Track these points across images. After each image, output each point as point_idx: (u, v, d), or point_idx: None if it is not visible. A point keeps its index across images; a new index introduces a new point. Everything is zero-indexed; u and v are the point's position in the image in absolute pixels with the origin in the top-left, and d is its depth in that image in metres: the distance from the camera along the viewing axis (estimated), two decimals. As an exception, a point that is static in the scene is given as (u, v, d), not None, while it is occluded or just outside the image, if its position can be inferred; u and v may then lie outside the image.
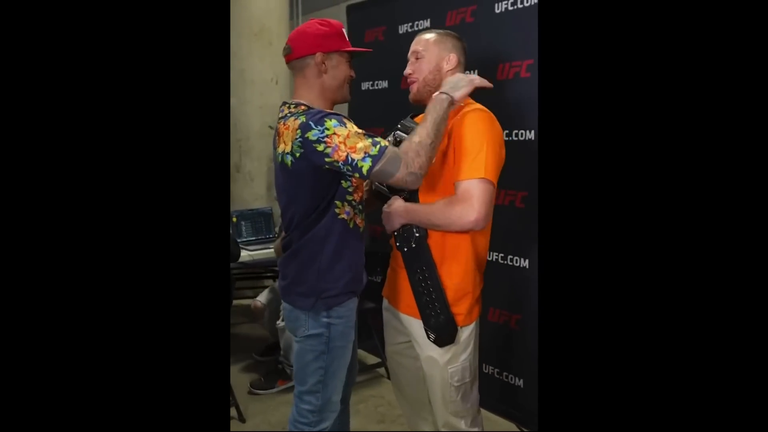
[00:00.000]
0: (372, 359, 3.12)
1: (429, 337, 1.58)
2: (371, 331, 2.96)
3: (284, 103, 1.59)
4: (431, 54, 1.62)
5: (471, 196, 1.47)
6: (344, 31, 1.60)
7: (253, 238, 3.29)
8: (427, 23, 2.71)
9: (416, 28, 2.75)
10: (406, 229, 1.58)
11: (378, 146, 1.40)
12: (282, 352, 2.81)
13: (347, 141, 1.40)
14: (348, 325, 1.61)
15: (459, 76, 1.57)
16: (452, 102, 1.49)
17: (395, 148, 1.42)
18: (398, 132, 1.63)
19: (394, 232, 1.61)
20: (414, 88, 1.65)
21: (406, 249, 1.58)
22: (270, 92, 3.97)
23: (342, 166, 1.42)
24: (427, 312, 1.55)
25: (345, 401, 1.84)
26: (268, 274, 3.76)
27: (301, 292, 1.57)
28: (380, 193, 1.68)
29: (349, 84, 1.62)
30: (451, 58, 1.62)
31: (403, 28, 2.82)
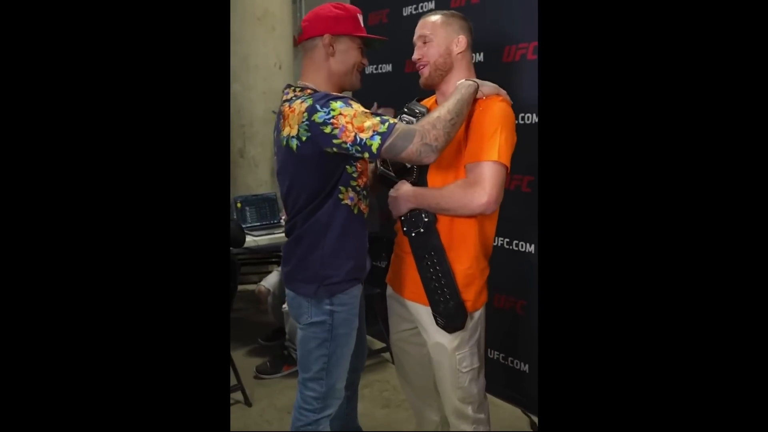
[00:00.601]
0: (377, 344, 3.12)
1: (438, 323, 1.56)
2: (376, 317, 2.96)
3: (288, 86, 1.57)
4: (439, 37, 1.57)
5: (483, 179, 1.44)
6: (360, 17, 1.57)
7: (258, 224, 3.28)
8: (431, 5, 2.68)
9: (420, 11, 2.72)
10: (414, 213, 1.56)
11: (387, 123, 1.37)
12: (287, 337, 2.82)
13: (354, 121, 1.37)
14: (351, 312, 1.59)
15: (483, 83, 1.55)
16: (477, 89, 1.49)
17: (406, 125, 1.40)
18: (404, 115, 1.61)
19: (401, 217, 1.59)
20: (425, 72, 1.60)
21: (414, 234, 1.56)
22: (274, 77, 3.94)
23: (350, 147, 1.39)
24: (436, 298, 1.54)
25: (353, 387, 1.84)
26: (273, 260, 3.77)
27: (304, 278, 1.56)
28: (385, 177, 1.66)
29: (359, 71, 1.60)
30: (461, 40, 1.57)
31: (407, 11, 2.79)
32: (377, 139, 1.36)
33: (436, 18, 1.59)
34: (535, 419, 2.32)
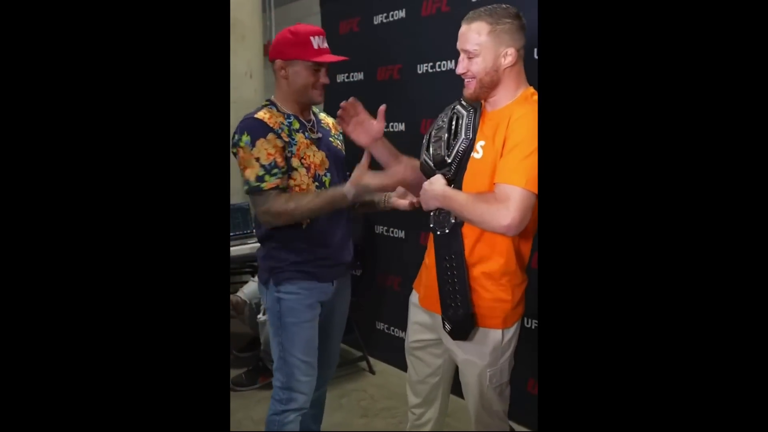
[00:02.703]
0: (354, 353, 3.11)
1: (444, 328, 1.52)
2: (353, 326, 2.95)
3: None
4: (486, 53, 1.43)
5: (508, 199, 1.34)
6: (314, 38, 1.66)
7: (231, 234, 3.24)
8: (402, 13, 2.69)
9: (391, 19, 2.73)
10: (443, 212, 1.51)
11: (258, 183, 1.61)
12: (262, 347, 2.79)
13: (244, 160, 1.63)
14: (300, 303, 1.71)
15: (368, 188, 1.63)
16: (349, 201, 1.63)
17: (274, 192, 1.62)
18: (458, 107, 1.55)
19: (431, 212, 1.55)
20: (471, 87, 1.47)
21: (439, 232, 1.52)
22: (244, 86, 3.90)
23: (241, 172, 1.65)
24: (448, 302, 1.49)
25: (318, 405, 1.96)
26: (247, 270, 3.73)
27: (261, 267, 1.77)
28: (426, 166, 1.59)
29: (316, 89, 1.70)
30: (509, 54, 1.43)
31: (378, 19, 2.80)
32: (246, 186, 1.65)
33: (481, 28, 1.43)
34: (512, 424, 2.32)
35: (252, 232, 3.26)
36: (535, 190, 1.34)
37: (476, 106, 1.53)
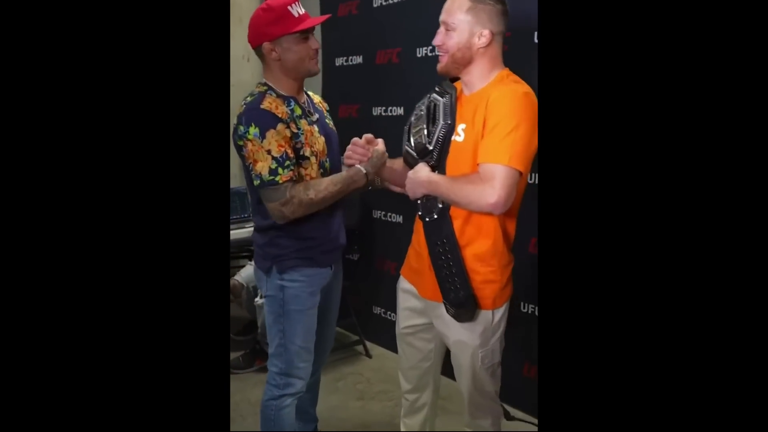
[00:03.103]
0: (351, 337, 3.12)
1: (448, 312, 1.53)
2: (349, 310, 2.96)
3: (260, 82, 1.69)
4: (462, 29, 1.46)
5: (493, 178, 1.36)
6: (291, 7, 1.59)
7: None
8: (402, -4, 2.66)
9: (391, 1, 2.70)
10: (430, 199, 1.52)
11: (273, 177, 1.54)
12: (259, 331, 2.80)
13: (254, 154, 1.55)
14: (304, 290, 1.69)
15: (380, 157, 1.66)
16: (367, 177, 1.63)
17: (285, 186, 1.55)
18: (434, 95, 1.55)
19: (417, 200, 1.55)
20: (443, 61, 1.51)
21: (428, 219, 1.53)
22: (241, 70, 3.88)
23: (249, 166, 1.58)
24: (447, 286, 1.50)
25: (314, 384, 1.95)
26: (245, 254, 3.73)
27: (261, 254, 1.72)
28: (408, 156, 1.60)
29: (309, 59, 1.64)
30: (484, 35, 1.45)
31: (377, 1, 2.77)
32: (257, 181, 1.56)
33: (462, 4, 1.46)
34: (507, 408, 2.34)
35: (248, 216, 3.26)
36: (519, 166, 1.38)
37: (452, 92, 1.54)
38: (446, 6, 1.50)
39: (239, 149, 1.59)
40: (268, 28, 1.59)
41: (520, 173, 1.39)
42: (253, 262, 1.90)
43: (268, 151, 1.54)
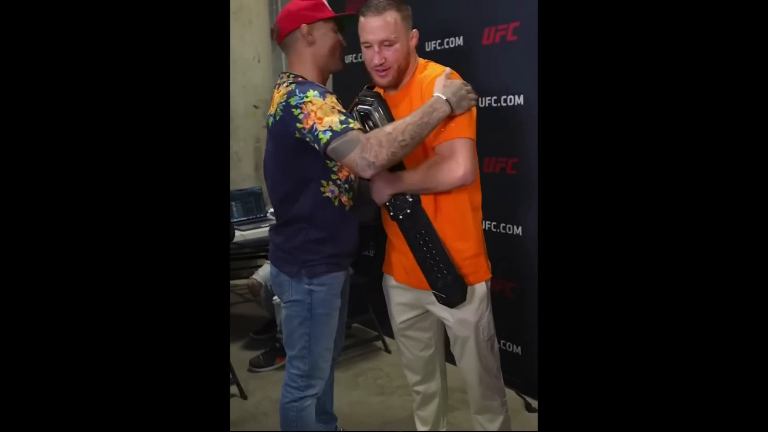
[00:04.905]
0: (370, 333, 3.13)
1: (439, 300, 1.56)
2: (367, 306, 2.96)
3: (283, 73, 1.64)
4: (402, 40, 1.50)
5: (456, 153, 1.45)
6: (325, 1, 1.61)
7: (245, 218, 3.27)
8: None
9: None
10: (398, 197, 1.55)
11: (345, 125, 1.41)
12: (279, 329, 2.82)
13: (318, 111, 1.43)
14: (331, 293, 1.67)
15: (458, 84, 1.47)
16: (449, 104, 1.43)
17: (360, 133, 1.41)
18: (361, 106, 1.59)
19: (386, 203, 1.58)
20: (390, 75, 1.52)
21: (401, 216, 1.55)
22: (253, 71, 3.91)
23: (306, 134, 1.44)
24: (433, 275, 1.53)
25: (329, 384, 1.93)
26: (262, 254, 3.76)
27: (287, 259, 1.65)
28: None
29: (340, 52, 1.64)
30: (414, 35, 1.55)
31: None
32: (327, 135, 1.40)
33: (394, 16, 1.48)
34: (530, 400, 2.35)
35: (264, 216, 3.28)
36: (472, 135, 1.48)
37: (375, 96, 1.58)
38: (374, 26, 1.48)
39: (294, 121, 1.46)
40: (308, 11, 1.58)
41: (474, 141, 1.48)
42: (269, 262, 1.89)
43: (332, 107, 1.45)
